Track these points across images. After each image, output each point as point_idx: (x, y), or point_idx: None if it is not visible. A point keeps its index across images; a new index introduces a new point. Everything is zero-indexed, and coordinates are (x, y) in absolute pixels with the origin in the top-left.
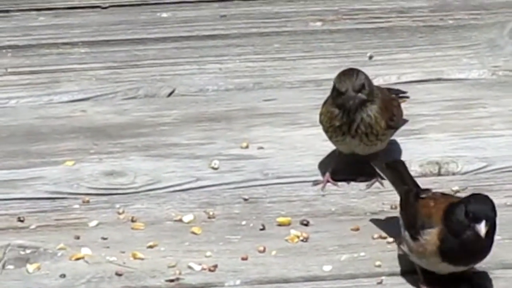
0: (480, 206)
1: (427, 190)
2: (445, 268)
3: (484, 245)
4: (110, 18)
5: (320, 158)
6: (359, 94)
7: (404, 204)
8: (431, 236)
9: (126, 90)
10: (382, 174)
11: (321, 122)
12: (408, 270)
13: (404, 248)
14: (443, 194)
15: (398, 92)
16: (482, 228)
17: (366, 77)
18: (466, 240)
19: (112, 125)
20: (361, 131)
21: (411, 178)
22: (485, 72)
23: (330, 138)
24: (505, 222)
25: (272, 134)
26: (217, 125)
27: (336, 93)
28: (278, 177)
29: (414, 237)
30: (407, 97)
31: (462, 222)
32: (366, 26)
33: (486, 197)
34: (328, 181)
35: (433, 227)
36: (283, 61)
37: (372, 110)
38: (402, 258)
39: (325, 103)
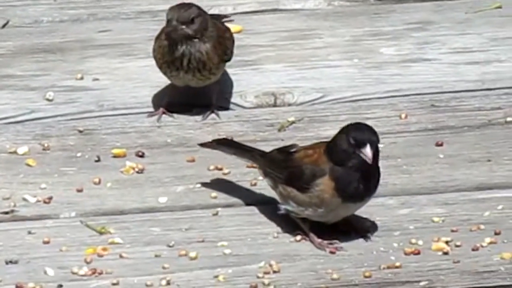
0: (361, 132)
1: (292, 145)
2: (344, 210)
3: (373, 173)
4: None
5: (156, 90)
6: (183, 27)
7: (273, 164)
8: (324, 181)
9: None
10: (215, 149)
11: (154, 57)
12: (243, 202)
13: (289, 206)
14: (314, 144)
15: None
16: (368, 152)
17: (200, 14)
18: (356, 169)
19: None
20: (193, 67)
21: (250, 146)
22: (321, 3)
23: (165, 73)
24: None
25: (107, 65)
26: (51, 57)
27: (166, 22)
28: (113, 108)
29: (305, 189)
30: (232, 20)
31: (346, 151)
32: None
33: (365, 124)
34: (163, 113)
35: (324, 173)
36: None
37: (204, 48)
38: (237, 189)
39: (157, 38)
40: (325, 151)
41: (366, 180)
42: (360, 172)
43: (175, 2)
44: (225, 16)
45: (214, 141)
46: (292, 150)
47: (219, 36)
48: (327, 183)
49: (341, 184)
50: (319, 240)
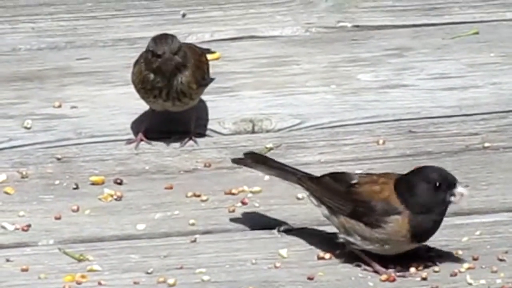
0: (444, 172)
1: (344, 173)
2: (406, 247)
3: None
4: None
5: (134, 117)
6: (176, 57)
7: (332, 194)
8: (397, 220)
9: None
10: (255, 170)
11: (133, 81)
12: (221, 228)
13: (351, 238)
14: (368, 174)
15: (203, 50)
16: (463, 190)
17: (180, 42)
18: (439, 214)
19: None
20: (172, 96)
21: (290, 166)
22: (298, 29)
23: (142, 98)
24: None
25: (85, 93)
26: (29, 85)
27: (152, 56)
28: (92, 136)
29: (374, 225)
30: (213, 52)
31: (436, 198)
32: None
33: (432, 167)
34: (141, 140)
35: (397, 212)
36: (96, 20)
37: (185, 76)
38: (215, 216)
39: (136, 62)
40: (398, 193)
41: (439, 221)
42: (439, 215)
43: (150, 30)
44: (207, 49)
45: (248, 157)
46: (353, 182)
47: (196, 60)
48: (401, 223)
49: (417, 228)
50: (383, 269)
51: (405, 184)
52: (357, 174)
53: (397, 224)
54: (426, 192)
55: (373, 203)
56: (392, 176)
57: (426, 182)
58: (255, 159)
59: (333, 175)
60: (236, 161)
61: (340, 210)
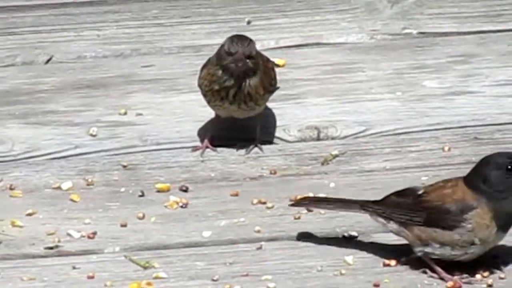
0: (511, 154)
1: (407, 189)
2: (493, 241)
3: None
4: None
5: (199, 124)
6: (248, 61)
7: (400, 208)
8: (476, 213)
9: (4, 58)
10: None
11: (200, 85)
12: (286, 235)
13: (429, 247)
14: (436, 184)
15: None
16: None
17: (256, 49)
18: None
19: None
20: (239, 98)
21: (348, 199)
22: (363, 36)
23: (209, 102)
24: (385, 187)
25: (150, 100)
26: (95, 92)
27: (225, 53)
28: (157, 143)
29: (452, 226)
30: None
31: (506, 180)
32: None
33: (497, 152)
34: (207, 147)
35: (472, 207)
36: (161, 27)
37: (254, 81)
38: (280, 223)
39: (204, 66)
40: (471, 189)
41: None
42: None
43: (215, 37)
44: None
45: (306, 199)
46: (420, 192)
47: (265, 67)
48: (481, 214)
49: (500, 211)
50: (449, 276)
51: (476, 178)
52: (421, 186)
53: (478, 215)
54: (500, 178)
55: (447, 205)
56: (458, 179)
57: (497, 168)
58: (314, 199)
59: (398, 192)
60: (295, 204)
61: (413, 222)
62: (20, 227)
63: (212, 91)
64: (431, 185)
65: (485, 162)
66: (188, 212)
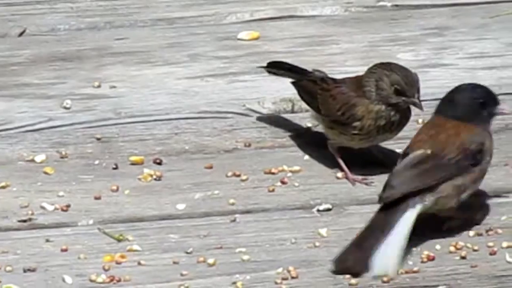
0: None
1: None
2: None
3: None
4: None
5: (173, 97)
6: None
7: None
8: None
9: None
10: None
11: (360, 128)
12: (260, 208)
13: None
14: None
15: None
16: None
17: None
18: None
19: None
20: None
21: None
22: (338, 9)
23: (357, 139)
24: (358, 158)
25: (124, 73)
26: (69, 65)
27: (395, 91)
28: (131, 116)
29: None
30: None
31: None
32: None
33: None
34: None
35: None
36: (136, 0)
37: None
38: (255, 196)
39: (352, 105)
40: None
41: None
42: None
43: (189, 9)
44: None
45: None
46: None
47: None
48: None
49: None
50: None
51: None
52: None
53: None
54: (469, 103)
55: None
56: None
57: (471, 99)
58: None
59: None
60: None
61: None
62: None
63: (378, 128)
64: (415, 142)
65: (459, 91)
66: (162, 184)
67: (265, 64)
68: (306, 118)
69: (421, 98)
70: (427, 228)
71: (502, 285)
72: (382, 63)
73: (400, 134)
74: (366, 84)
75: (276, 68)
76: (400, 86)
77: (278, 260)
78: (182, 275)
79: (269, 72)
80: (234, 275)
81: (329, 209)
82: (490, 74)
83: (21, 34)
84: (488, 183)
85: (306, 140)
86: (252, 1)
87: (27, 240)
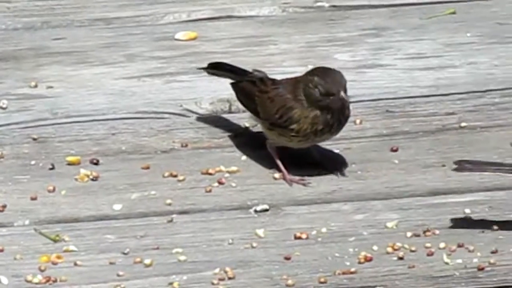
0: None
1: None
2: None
3: None
4: None
5: (110, 97)
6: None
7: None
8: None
9: None
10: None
11: (297, 130)
12: (197, 208)
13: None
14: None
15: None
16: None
17: None
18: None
19: None
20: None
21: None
22: (275, 9)
23: (297, 140)
24: (298, 159)
25: (61, 73)
26: (5, 65)
27: (321, 95)
28: (68, 116)
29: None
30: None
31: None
32: None
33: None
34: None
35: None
36: (72, 0)
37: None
38: (192, 196)
39: (286, 109)
40: None
41: None
42: None
43: (126, 9)
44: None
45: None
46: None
47: None
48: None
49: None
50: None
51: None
52: None
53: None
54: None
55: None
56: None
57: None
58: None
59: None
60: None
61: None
62: None
63: (315, 131)
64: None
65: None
66: (99, 185)
67: (205, 65)
68: (244, 119)
69: (359, 99)
70: (364, 229)
71: (440, 285)
72: (308, 71)
73: (338, 135)
74: (298, 93)
75: (217, 69)
76: (322, 86)
77: (215, 261)
78: (118, 275)
79: (209, 73)
80: (171, 275)
81: (266, 210)
82: (428, 75)
83: None
84: (425, 184)
85: (243, 140)
86: (189, 1)
87: None
